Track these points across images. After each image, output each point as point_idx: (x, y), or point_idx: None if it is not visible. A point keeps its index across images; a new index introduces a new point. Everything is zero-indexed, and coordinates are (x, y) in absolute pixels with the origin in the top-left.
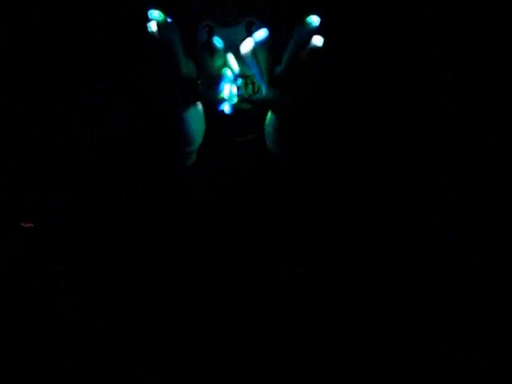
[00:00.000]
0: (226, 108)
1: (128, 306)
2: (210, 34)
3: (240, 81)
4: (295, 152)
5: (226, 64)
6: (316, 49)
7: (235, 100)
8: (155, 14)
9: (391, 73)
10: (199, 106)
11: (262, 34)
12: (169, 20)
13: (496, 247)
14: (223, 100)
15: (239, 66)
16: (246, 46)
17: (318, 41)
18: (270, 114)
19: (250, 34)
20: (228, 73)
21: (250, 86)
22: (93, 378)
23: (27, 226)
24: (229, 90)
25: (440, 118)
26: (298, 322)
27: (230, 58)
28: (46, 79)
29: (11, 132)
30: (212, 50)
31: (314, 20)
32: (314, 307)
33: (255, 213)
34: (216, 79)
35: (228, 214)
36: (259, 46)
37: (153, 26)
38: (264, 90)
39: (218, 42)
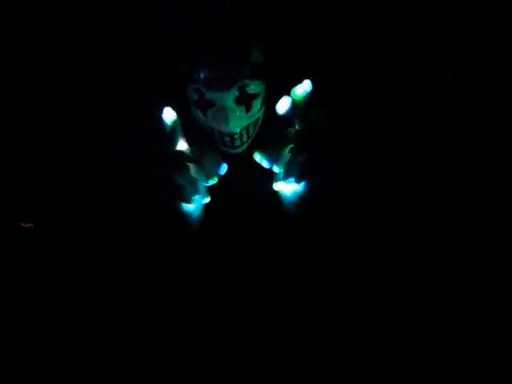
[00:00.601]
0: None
1: (128, 305)
2: (201, 96)
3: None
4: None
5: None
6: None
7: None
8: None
9: (391, 73)
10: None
11: (305, 87)
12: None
13: (496, 247)
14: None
15: (230, 123)
16: (283, 106)
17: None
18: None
19: (243, 95)
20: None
21: (245, 135)
22: (93, 377)
23: (27, 225)
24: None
25: (440, 117)
26: (298, 321)
27: None
28: (46, 79)
29: (11, 132)
30: (203, 107)
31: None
32: (314, 307)
33: (255, 213)
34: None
35: (228, 213)
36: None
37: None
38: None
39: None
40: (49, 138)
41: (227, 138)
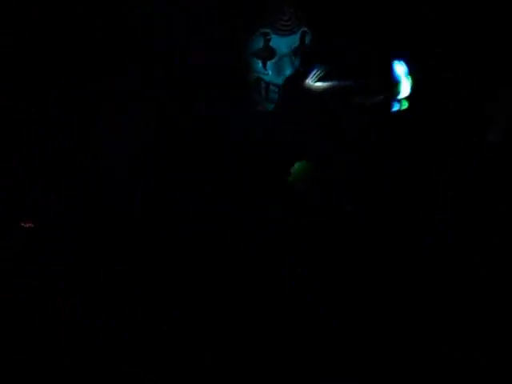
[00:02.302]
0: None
1: (128, 305)
2: (266, 42)
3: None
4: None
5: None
6: None
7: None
8: None
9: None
10: None
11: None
12: None
13: (496, 247)
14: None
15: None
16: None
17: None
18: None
19: (303, 44)
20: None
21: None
22: (93, 378)
23: (27, 225)
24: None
25: (440, 117)
26: (298, 321)
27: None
28: (46, 79)
29: (11, 132)
30: (265, 56)
31: None
32: (314, 307)
33: (255, 212)
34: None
35: (227, 211)
36: None
37: None
38: None
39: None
40: (49, 138)
41: (275, 88)
